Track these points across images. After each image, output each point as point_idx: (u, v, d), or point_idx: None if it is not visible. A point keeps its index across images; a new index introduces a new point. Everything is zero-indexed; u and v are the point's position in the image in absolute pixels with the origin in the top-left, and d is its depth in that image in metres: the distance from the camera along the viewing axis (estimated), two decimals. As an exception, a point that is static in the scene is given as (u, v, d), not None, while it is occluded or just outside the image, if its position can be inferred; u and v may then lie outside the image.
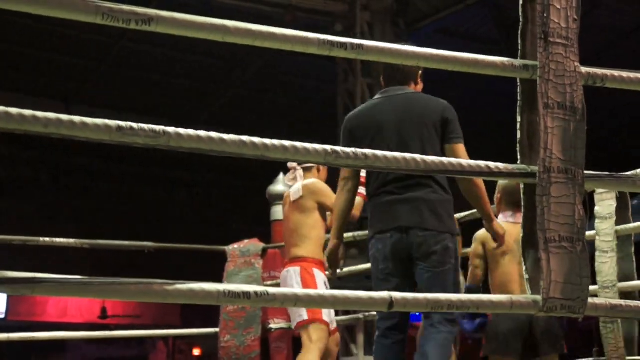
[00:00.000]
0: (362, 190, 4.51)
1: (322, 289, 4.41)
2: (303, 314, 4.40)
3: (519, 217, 4.05)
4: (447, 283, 3.39)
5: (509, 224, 4.08)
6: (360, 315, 6.17)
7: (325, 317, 4.42)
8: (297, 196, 4.66)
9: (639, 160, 4.95)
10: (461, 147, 3.48)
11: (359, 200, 4.53)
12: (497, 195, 4.25)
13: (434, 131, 3.50)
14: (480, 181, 3.46)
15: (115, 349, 15.94)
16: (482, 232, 4.10)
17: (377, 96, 3.70)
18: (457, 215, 4.97)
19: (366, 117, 3.60)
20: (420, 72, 3.75)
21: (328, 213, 4.61)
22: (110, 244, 6.27)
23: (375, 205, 3.61)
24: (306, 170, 4.74)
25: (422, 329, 3.60)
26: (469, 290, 4.18)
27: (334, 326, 4.69)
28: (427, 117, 3.52)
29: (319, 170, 4.72)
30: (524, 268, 1.78)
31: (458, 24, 10.18)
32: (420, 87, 3.76)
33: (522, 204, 1.92)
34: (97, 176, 14.05)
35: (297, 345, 7.20)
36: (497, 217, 4.18)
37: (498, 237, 3.74)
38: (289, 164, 4.82)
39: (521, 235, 1.83)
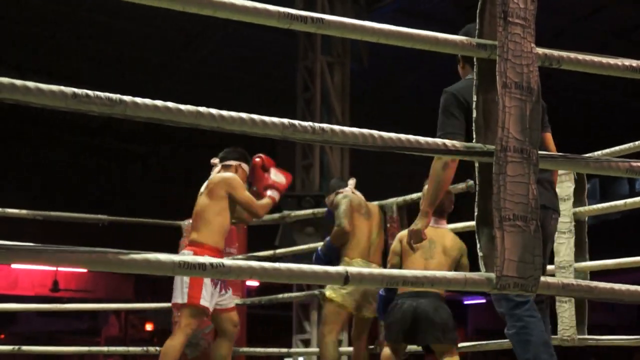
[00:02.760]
0: (272, 193, 4.78)
1: (207, 281, 4.54)
2: (184, 296, 4.47)
3: (440, 222, 4.61)
4: None
5: (429, 227, 4.24)
6: (316, 292, 6.17)
7: (203, 302, 4.49)
8: (206, 184, 4.81)
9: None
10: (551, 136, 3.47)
11: (267, 201, 4.86)
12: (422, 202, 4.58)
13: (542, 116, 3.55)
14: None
15: (66, 322, 15.83)
16: (403, 232, 4.56)
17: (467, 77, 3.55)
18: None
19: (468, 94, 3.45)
20: None
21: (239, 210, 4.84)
22: (64, 216, 6.19)
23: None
24: (225, 167, 4.87)
25: None
26: (386, 291, 4.59)
27: (228, 306, 4.76)
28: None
29: (236, 171, 4.85)
30: (478, 246, 1.79)
31: (417, 4, 10.20)
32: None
33: (477, 182, 1.93)
34: (49, 146, 13.86)
35: (250, 320, 7.20)
36: None
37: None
38: (212, 160, 4.98)
39: (476, 213, 1.85)
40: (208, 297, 4.53)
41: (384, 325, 4.62)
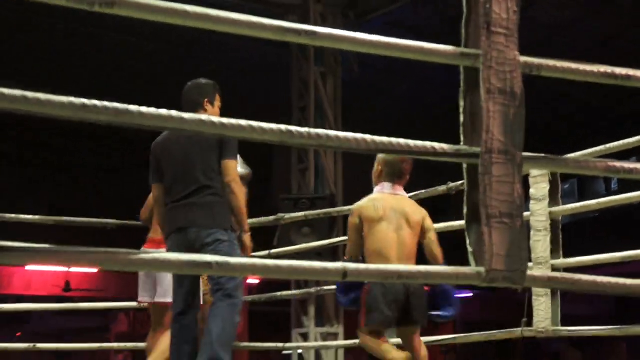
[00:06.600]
0: None
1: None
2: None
3: (397, 189, 4.19)
4: None
5: (386, 194, 4.14)
6: (312, 290, 6.20)
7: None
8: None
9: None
10: (231, 163, 3.98)
11: None
12: (377, 168, 4.23)
13: (212, 151, 3.98)
14: (242, 197, 4.02)
15: (78, 320, 15.80)
16: (359, 204, 4.17)
17: None
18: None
19: (163, 142, 4.14)
20: (206, 99, 4.22)
21: None
22: (74, 221, 6.19)
23: (166, 213, 4.10)
24: None
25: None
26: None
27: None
28: (206, 140, 3.99)
29: None
30: (467, 242, 1.79)
31: (405, 17, 10.21)
32: (213, 111, 4.21)
33: (465, 182, 1.93)
34: (60, 154, 13.85)
35: (251, 316, 7.19)
36: (374, 190, 4.25)
37: (245, 249, 4.10)
38: None
39: (465, 211, 1.84)
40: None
41: (366, 310, 4.03)
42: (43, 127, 12.47)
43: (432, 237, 4.19)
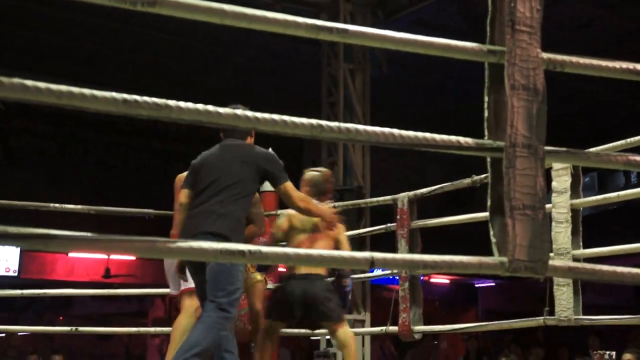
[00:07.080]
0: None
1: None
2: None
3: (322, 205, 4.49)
4: (220, 274, 3.75)
5: None
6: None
7: None
8: None
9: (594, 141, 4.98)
10: (287, 186, 3.97)
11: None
12: (304, 189, 4.59)
13: (251, 173, 3.95)
14: (305, 204, 4.04)
15: (117, 305, 15.94)
16: (289, 211, 4.50)
17: (217, 145, 4.19)
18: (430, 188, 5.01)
19: (204, 159, 4.12)
20: (252, 130, 4.13)
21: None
22: (114, 210, 6.25)
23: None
24: None
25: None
26: None
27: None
28: (246, 162, 3.97)
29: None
30: (491, 233, 1.79)
31: (431, 16, 10.16)
32: (252, 140, 4.25)
33: (489, 175, 1.92)
34: (103, 148, 13.97)
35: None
36: None
37: (329, 218, 4.26)
38: None
39: (489, 204, 1.84)
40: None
41: (269, 305, 4.54)
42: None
43: (343, 250, 4.49)
